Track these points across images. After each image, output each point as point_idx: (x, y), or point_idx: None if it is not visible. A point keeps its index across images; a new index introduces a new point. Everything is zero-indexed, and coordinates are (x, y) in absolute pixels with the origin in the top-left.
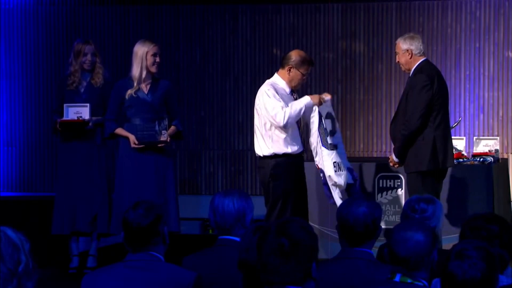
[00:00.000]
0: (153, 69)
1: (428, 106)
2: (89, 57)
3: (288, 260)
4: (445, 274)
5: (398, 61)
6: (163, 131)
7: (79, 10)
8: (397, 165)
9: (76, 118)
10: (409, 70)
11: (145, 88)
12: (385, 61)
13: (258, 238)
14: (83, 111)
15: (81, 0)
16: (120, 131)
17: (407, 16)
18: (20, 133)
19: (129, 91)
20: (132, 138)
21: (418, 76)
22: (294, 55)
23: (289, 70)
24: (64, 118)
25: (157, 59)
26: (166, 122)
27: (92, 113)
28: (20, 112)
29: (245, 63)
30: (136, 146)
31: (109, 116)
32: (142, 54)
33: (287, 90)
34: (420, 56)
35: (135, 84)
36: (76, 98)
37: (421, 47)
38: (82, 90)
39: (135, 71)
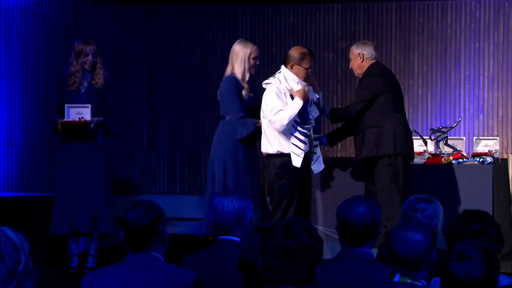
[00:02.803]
0: (252, 71)
1: (375, 94)
2: (90, 57)
3: (293, 262)
4: (446, 275)
5: (351, 67)
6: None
7: (79, 10)
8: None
9: (77, 119)
10: (361, 74)
11: (249, 89)
12: (385, 61)
13: (263, 238)
14: (84, 112)
15: (81, 0)
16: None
17: (407, 16)
18: (20, 133)
19: (244, 92)
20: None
21: (369, 68)
22: (293, 53)
23: (292, 67)
24: (66, 118)
25: (257, 62)
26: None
27: (92, 113)
28: (20, 112)
29: None
30: None
31: (242, 113)
32: (244, 56)
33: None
34: (372, 60)
35: (244, 85)
36: (77, 99)
37: (373, 52)
38: (83, 90)
39: (238, 72)
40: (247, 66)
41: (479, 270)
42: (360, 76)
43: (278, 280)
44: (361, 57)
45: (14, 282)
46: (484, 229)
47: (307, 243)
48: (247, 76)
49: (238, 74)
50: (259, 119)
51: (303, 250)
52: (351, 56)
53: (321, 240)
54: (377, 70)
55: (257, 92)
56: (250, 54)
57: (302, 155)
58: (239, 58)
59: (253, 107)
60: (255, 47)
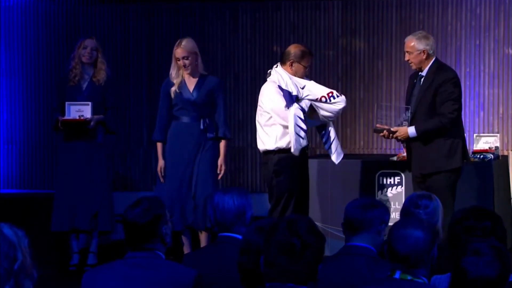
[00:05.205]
0: (187, 71)
1: (460, 100)
2: (88, 50)
3: (296, 260)
4: (457, 270)
5: (409, 60)
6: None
7: (79, 8)
8: (390, 136)
9: (78, 117)
10: (421, 69)
11: (190, 86)
12: (386, 58)
13: (266, 234)
14: (85, 110)
15: None
16: (159, 149)
17: (407, 13)
18: (20, 130)
19: (173, 88)
20: (161, 163)
21: (449, 71)
22: (294, 50)
23: (291, 65)
24: (66, 116)
25: (185, 62)
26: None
27: (93, 111)
28: (20, 110)
29: (245, 61)
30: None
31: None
32: (173, 55)
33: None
34: (433, 55)
35: (174, 81)
36: (78, 96)
37: (435, 47)
38: (84, 87)
39: (171, 70)
40: (174, 65)
41: (494, 269)
42: (417, 70)
43: (280, 278)
44: (425, 53)
45: (11, 281)
46: (494, 228)
47: (311, 242)
48: (174, 73)
49: (171, 72)
50: (193, 112)
51: (306, 249)
52: (411, 50)
53: (324, 239)
54: (454, 74)
55: (210, 85)
56: (174, 55)
57: (303, 143)
58: (173, 57)
59: (182, 102)
60: (176, 47)
